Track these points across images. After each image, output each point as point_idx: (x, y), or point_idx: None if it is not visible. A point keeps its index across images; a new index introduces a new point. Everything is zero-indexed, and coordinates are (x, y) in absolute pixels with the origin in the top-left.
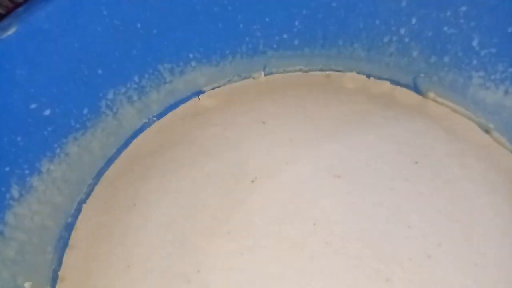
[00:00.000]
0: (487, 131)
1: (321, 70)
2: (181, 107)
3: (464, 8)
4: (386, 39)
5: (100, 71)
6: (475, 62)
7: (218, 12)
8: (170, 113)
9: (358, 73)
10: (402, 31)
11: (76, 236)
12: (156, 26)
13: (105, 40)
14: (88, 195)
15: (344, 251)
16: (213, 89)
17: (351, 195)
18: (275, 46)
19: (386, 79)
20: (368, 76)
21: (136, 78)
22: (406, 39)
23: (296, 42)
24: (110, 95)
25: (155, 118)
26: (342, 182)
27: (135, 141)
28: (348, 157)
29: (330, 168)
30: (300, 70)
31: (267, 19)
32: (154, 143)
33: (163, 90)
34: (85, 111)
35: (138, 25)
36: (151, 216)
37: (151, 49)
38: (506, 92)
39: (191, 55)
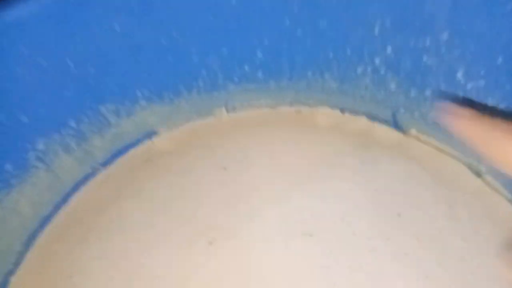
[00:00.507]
0: (478, 174)
1: (290, 105)
2: (132, 152)
3: (445, 36)
4: (359, 70)
5: (24, 119)
6: (460, 95)
7: (166, 45)
8: (117, 159)
9: (331, 107)
10: (377, 61)
11: None
12: (93, 64)
13: (27, 83)
14: (17, 265)
15: None
16: (168, 130)
17: (325, 258)
18: (236, 79)
19: (362, 114)
20: (342, 111)
21: (72, 123)
22: (382, 70)
23: (259, 74)
24: (41, 146)
25: (99, 167)
26: (314, 242)
27: (75, 195)
28: (321, 211)
29: (301, 225)
30: (267, 105)
31: (224, 50)
32: (97, 198)
33: (107, 134)
34: (8, 167)
35: (70, 64)
36: None
37: (89, 90)
38: None
39: (138, 93)
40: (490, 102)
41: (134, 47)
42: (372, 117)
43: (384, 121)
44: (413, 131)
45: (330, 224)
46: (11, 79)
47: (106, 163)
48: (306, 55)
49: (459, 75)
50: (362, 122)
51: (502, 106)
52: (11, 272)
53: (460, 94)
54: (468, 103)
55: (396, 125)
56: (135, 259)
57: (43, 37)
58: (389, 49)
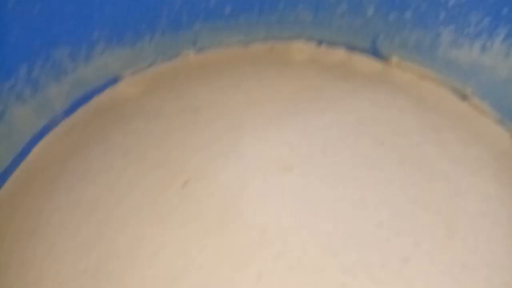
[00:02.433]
0: (463, 97)
1: (263, 41)
2: (94, 100)
3: None
4: None
5: None
6: (443, 15)
7: None
8: (80, 108)
9: (307, 40)
10: None
11: None
12: (38, 1)
13: None
14: None
15: (301, 264)
16: (133, 74)
17: (306, 191)
18: (202, 16)
19: (340, 45)
20: (319, 43)
21: (23, 70)
22: None
23: (227, 9)
24: None
25: (60, 117)
26: (294, 176)
27: (35, 148)
28: (300, 145)
29: (279, 160)
30: (238, 42)
31: None
32: (60, 148)
33: (65, 81)
34: None
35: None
36: (58, 241)
37: (38, 31)
38: (484, 48)
39: (95, 36)
40: (473, 18)
41: None
42: (351, 47)
43: (364, 51)
44: (395, 59)
45: (310, 157)
46: None
47: (67, 113)
48: None
49: None
50: (340, 53)
51: (486, 21)
52: None
53: (442, 12)
54: None
55: (376, 53)
56: (104, 207)
57: None
58: None
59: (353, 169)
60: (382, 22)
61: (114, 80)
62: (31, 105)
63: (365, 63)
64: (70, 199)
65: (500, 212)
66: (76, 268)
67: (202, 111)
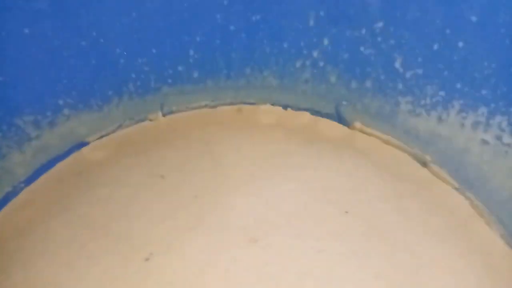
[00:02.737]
0: (424, 163)
1: (231, 104)
2: (58, 166)
3: (380, 24)
4: (298, 64)
5: None
6: (400, 85)
7: (86, 46)
8: (43, 175)
9: (273, 104)
10: (315, 53)
11: None
12: (1, 72)
13: None
14: None
15: None
16: (100, 138)
17: (272, 265)
18: (170, 81)
19: (306, 110)
20: (285, 107)
21: None
22: (321, 63)
23: (195, 74)
24: None
25: (22, 185)
26: (260, 249)
27: None
28: (265, 215)
29: (245, 231)
30: (206, 106)
31: (153, 51)
32: (20, 219)
33: (28, 148)
34: None
35: None
36: None
37: (0, 100)
38: (440, 119)
39: (60, 102)
40: (429, 90)
41: (50, 51)
42: (315, 112)
43: (328, 115)
44: (357, 124)
45: (275, 227)
46: None
47: (29, 181)
48: (241, 51)
49: (397, 64)
50: (306, 117)
51: (441, 93)
52: None
53: (400, 84)
54: None
55: (339, 118)
56: (63, 285)
57: None
58: (325, 41)
59: (317, 240)
60: (344, 89)
61: (79, 145)
62: None
63: (329, 126)
64: (28, 278)
65: (463, 285)
66: None
67: (168, 176)
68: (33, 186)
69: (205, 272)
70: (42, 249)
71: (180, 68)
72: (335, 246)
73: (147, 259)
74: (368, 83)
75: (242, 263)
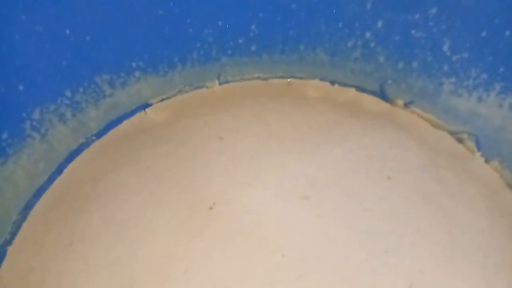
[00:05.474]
0: (460, 140)
1: (282, 77)
2: (125, 123)
3: (434, 10)
4: (350, 44)
5: (21, 87)
6: (446, 67)
7: (163, 15)
8: (112, 130)
9: (321, 80)
10: (368, 35)
11: (2, 285)
12: (90, 32)
13: (25, 50)
14: (14, 234)
15: (318, 286)
16: (162, 101)
17: (322, 220)
18: (230, 52)
19: (351, 86)
20: (332, 83)
21: (68, 93)
22: (372, 44)
23: (253, 47)
24: (36, 115)
25: (94, 138)
26: (311, 205)
27: (70, 166)
28: (316, 176)
29: (297, 189)
30: (258, 77)
31: (219, 23)
32: (93, 167)
33: (102, 105)
34: (4, 135)
35: (67, 31)
36: (92, 256)
37: (85, 59)
38: (480, 100)
39: (133, 64)
40: (473, 73)
41: (131, 17)
42: (361, 89)
43: (372, 92)
44: (399, 102)
45: (325, 187)
46: (9, 46)
47: (100, 134)
48: (299, 29)
49: (445, 47)
50: (351, 93)
51: (483, 76)
52: (8, 243)
53: (446, 65)
54: None
55: (383, 96)
56: (135, 226)
57: (41, 4)
58: (379, 24)
59: (363, 200)
60: (391, 69)
61: (144, 106)
62: (70, 126)
63: (373, 103)
64: (103, 217)
65: (490, 245)
66: (109, 283)
67: (226, 138)
68: (103, 139)
69: (261, 222)
70: (114, 193)
71: (240, 40)
72: (380, 206)
73: (210, 208)
74: (415, 64)
75: (295, 216)
